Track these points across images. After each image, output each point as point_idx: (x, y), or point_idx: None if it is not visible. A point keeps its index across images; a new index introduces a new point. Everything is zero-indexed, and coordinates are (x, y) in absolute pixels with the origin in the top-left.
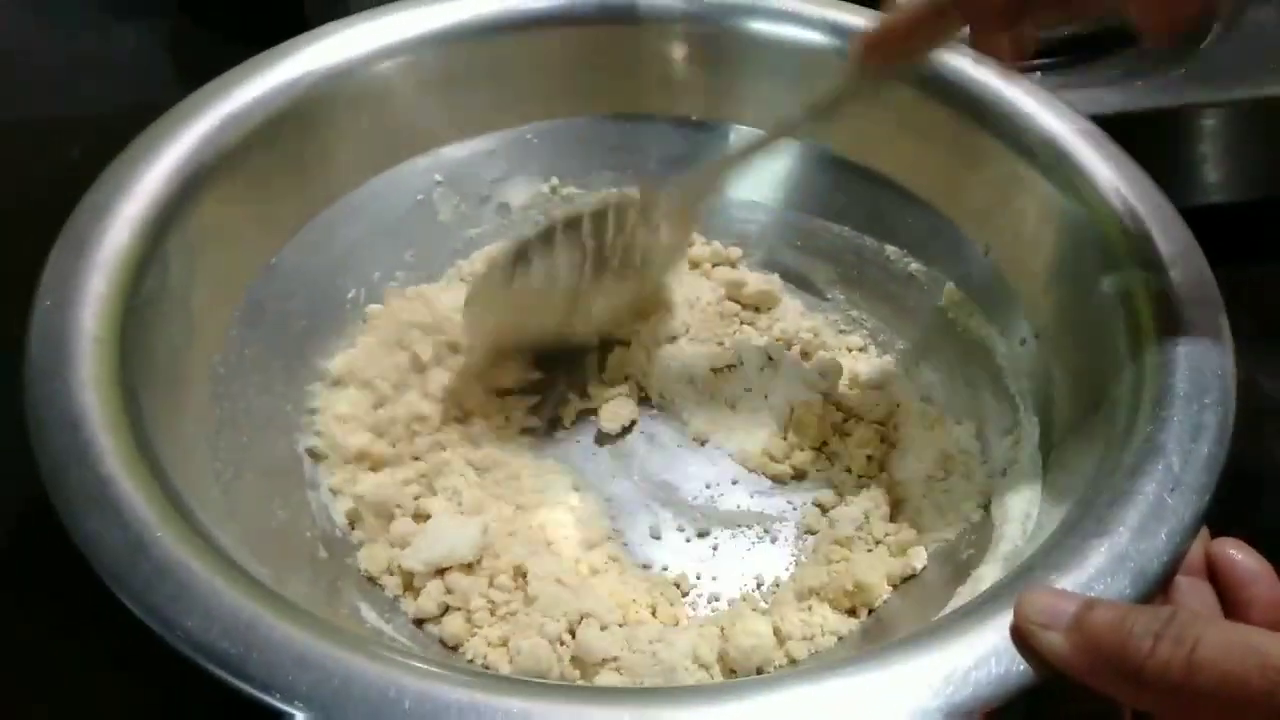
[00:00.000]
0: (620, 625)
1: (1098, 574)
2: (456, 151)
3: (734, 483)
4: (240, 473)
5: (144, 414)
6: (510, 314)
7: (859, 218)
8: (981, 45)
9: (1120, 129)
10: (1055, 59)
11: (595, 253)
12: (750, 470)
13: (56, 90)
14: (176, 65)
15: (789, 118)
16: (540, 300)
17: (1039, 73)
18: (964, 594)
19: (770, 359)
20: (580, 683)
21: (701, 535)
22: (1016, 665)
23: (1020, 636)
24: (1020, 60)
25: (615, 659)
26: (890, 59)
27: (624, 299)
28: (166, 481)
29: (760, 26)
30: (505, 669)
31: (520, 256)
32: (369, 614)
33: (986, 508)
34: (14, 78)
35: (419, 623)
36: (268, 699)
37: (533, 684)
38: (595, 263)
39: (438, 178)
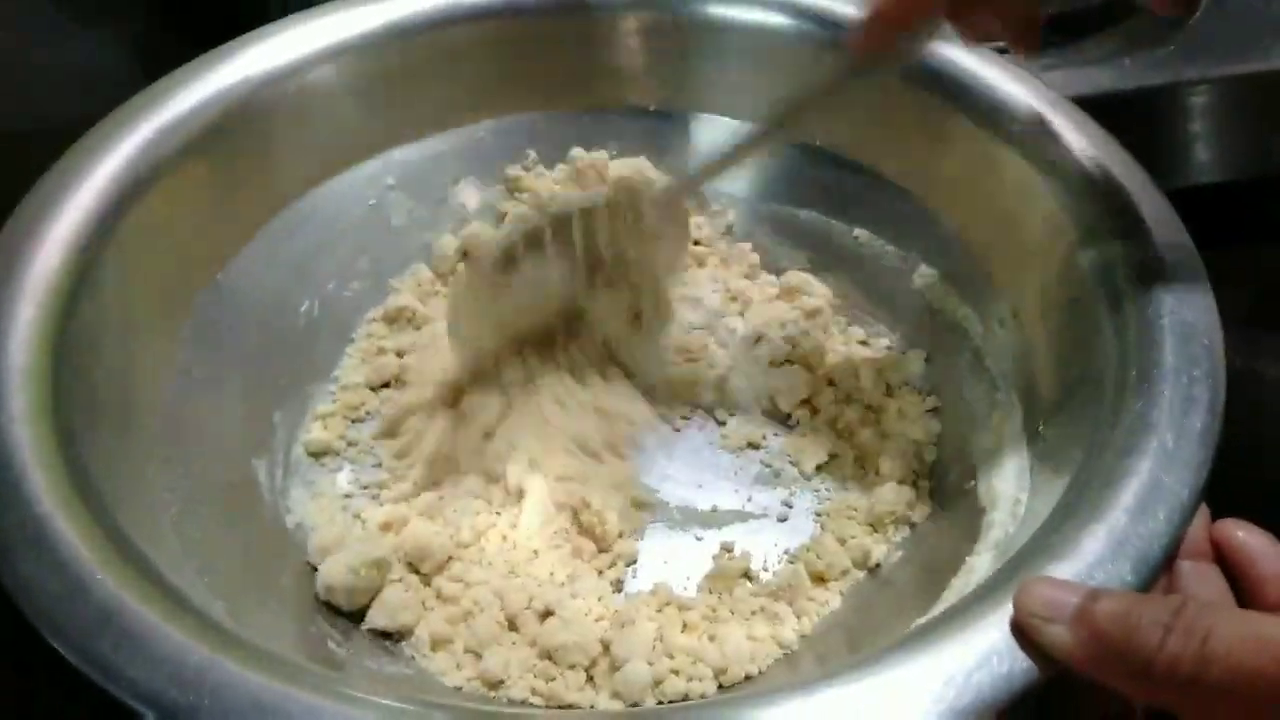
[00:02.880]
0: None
1: (1097, 560)
2: (407, 153)
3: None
4: (194, 500)
5: (83, 447)
6: (498, 330)
7: (827, 203)
8: (974, 28)
9: (1108, 109)
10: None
11: (587, 255)
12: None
13: (18, 101)
14: (145, 73)
15: (780, 111)
16: (531, 311)
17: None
18: (957, 586)
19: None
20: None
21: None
22: (1020, 663)
23: (1021, 631)
24: (1030, 47)
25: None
26: (886, 43)
27: (623, 308)
28: (108, 518)
29: (718, 11)
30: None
31: (506, 260)
32: (333, 640)
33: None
34: None
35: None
36: None
37: (501, 714)
38: (588, 267)
39: (389, 181)
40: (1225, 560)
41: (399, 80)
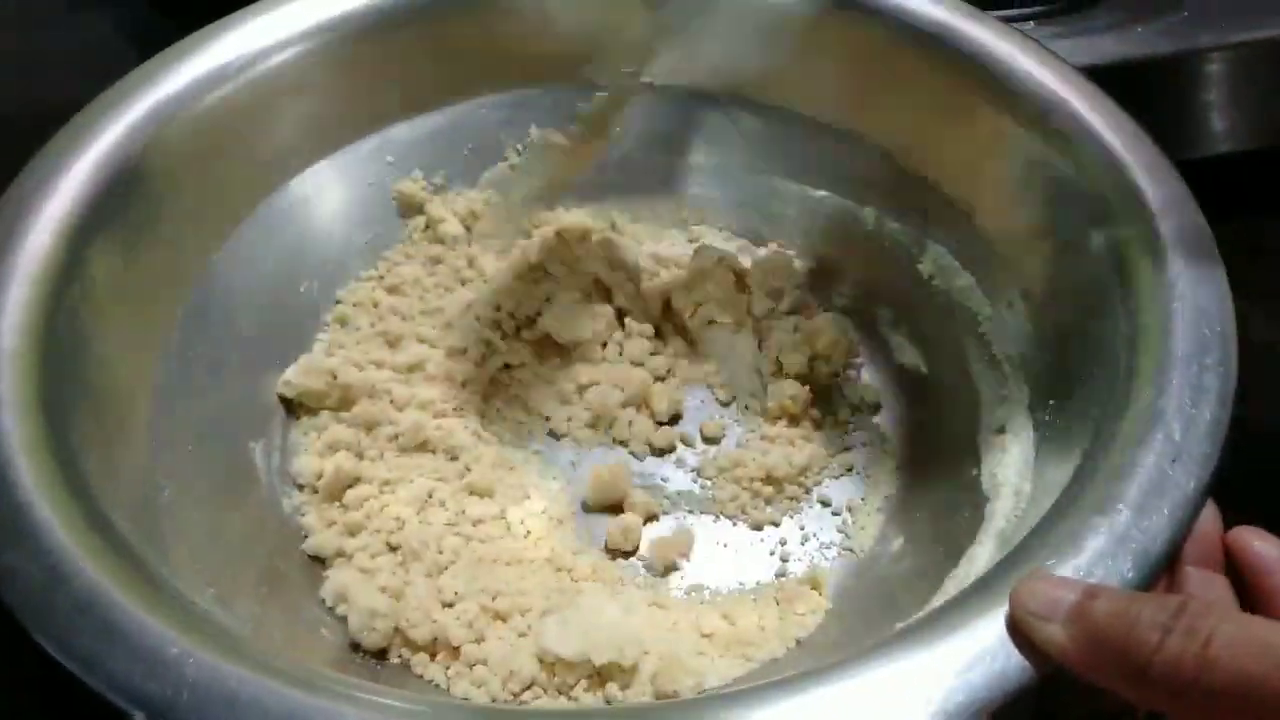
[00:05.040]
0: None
1: (1097, 556)
2: (406, 131)
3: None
4: (187, 484)
5: (72, 431)
6: None
7: (831, 179)
8: None
9: (1119, 78)
10: (1048, 6)
11: None
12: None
13: (17, 83)
14: (143, 56)
15: None
16: None
17: (1031, 22)
18: (958, 576)
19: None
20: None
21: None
22: (1015, 662)
23: (1017, 629)
24: None
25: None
26: None
27: None
28: (93, 505)
29: None
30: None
31: None
32: (324, 627)
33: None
34: None
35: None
36: None
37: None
38: None
39: (389, 159)
40: (1238, 570)
41: (395, 56)
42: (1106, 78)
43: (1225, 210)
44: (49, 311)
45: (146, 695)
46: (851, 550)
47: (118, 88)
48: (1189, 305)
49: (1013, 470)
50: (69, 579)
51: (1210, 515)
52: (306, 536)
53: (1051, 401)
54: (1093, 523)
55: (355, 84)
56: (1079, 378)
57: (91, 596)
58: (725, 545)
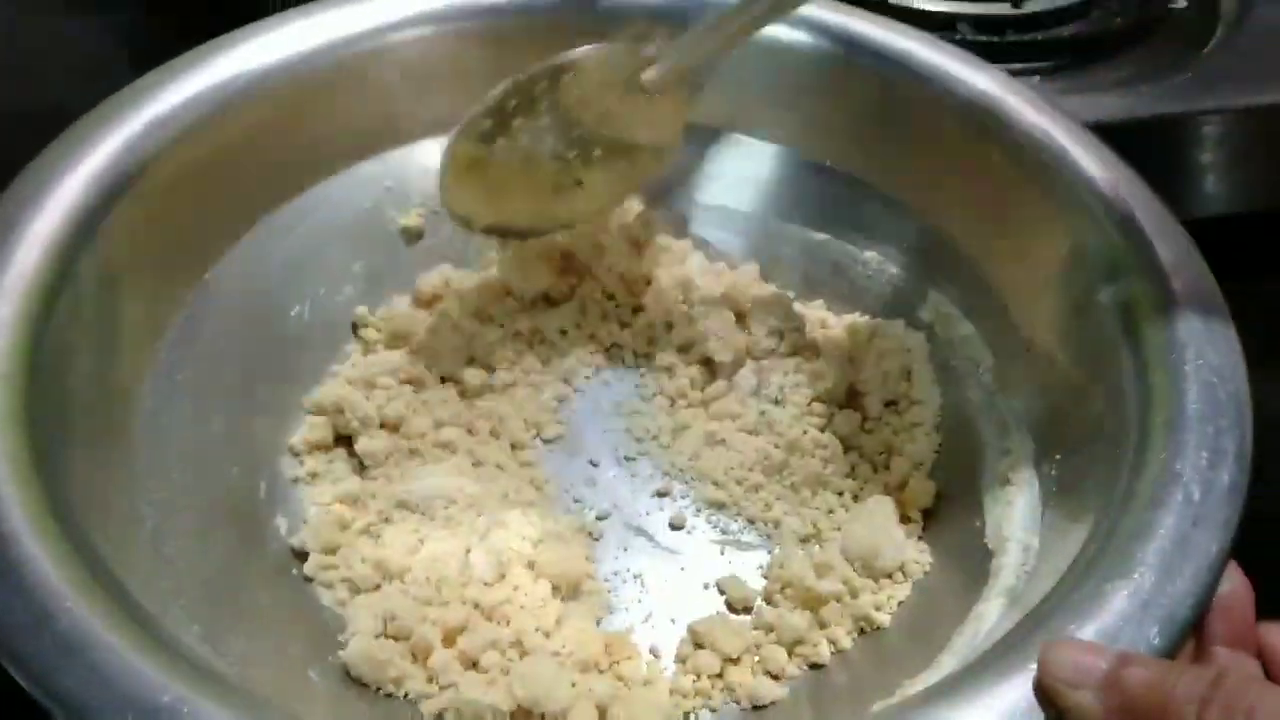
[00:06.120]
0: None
1: (1122, 620)
2: (406, 157)
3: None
4: (172, 514)
5: (57, 456)
6: (491, 192)
7: (832, 223)
8: None
9: (1122, 136)
10: (1055, 62)
11: (570, 116)
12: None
13: (7, 83)
14: (134, 59)
15: None
16: (523, 174)
17: (1038, 77)
18: (967, 634)
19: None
20: None
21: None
22: None
23: (1045, 695)
24: None
25: None
26: None
27: (619, 177)
28: (82, 538)
29: None
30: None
31: (491, 127)
32: (312, 669)
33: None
34: None
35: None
36: None
37: None
38: (575, 130)
39: (388, 184)
40: (1269, 667)
41: (402, 81)
42: (1109, 134)
43: (1218, 272)
44: (37, 330)
45: None
46: None
47: (113, 101)
48: (1202, 365)
49: (1018, 525)
50: (55, 617)
51: (1243, 595)
52: (300, 574)
53: (1058, 456)
54: (1115, 586)
55: (359, 106)
56: (1086, 433)
57: (79, 637)
58: (708, 586)
